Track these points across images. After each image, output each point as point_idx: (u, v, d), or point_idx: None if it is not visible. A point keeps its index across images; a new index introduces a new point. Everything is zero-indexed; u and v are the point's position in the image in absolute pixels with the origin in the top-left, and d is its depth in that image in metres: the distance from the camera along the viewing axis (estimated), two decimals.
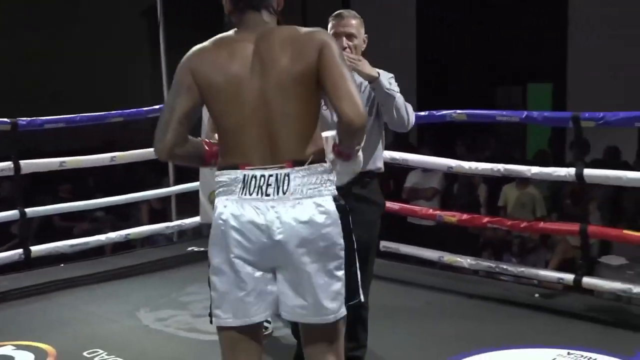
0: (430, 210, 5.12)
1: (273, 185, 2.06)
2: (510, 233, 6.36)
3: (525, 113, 4.39)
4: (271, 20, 2.15)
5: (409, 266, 5.25)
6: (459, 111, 4.58)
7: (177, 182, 6.01)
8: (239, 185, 2.08)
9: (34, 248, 4.90)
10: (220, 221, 2.09)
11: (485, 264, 4.70)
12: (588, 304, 4.26)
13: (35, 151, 6.19)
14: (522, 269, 4.60)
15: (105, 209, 7.43)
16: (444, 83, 9.74)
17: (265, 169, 2.06)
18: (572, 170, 4.16)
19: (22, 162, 4.78)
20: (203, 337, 3.91)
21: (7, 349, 3.78)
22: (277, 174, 2.06)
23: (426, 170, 6.54)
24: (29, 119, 4.81)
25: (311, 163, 2.07)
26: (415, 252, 5.03)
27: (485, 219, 4.66)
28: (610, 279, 4.44)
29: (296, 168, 2.06)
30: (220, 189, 2.12)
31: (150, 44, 12.01)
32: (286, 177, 2.06)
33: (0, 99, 10.30)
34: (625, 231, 4.30)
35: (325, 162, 2.11)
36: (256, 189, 2.06)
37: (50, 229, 7.42)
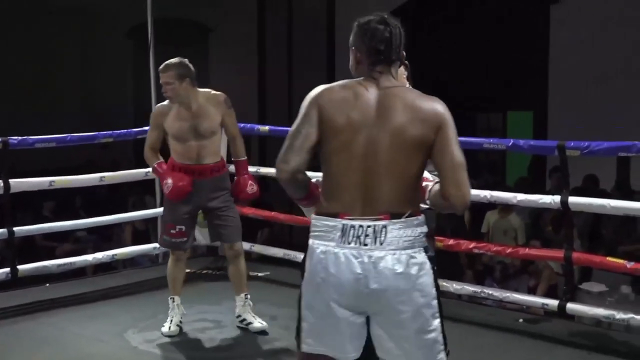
0: None
1: (371, 236, 2.16)
2: (492, 258, 6.45)
3: (512, 141, 4.47)
4: (394, 72, 2.30)
5: None
6: None
7: (163, 204, 6.00)
8: (338, 234, 2.18)
9: (20, 267, 4.88)
10: (320, 266, 2.20)
11: (470, 288, 4.76)
12: (571, 330, 4.33)
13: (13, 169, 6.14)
14: (507, 294, 4.66)
15: (87, 229, 7.42)
16: None
17: (364, 219, 2.17)
18: (557, 198, 4.25)
19: (12, 181, 4.78)
20: (192, 357, 3.94)
21: None
22: (374, 226, 2.16)
23: None
24: (20, 137, 4.81)
25: (408, 217, 2.19)
26: None
27: (472, 244, 4.72)
28: (592, 305, 4.53)
29: (393, 221, 2.17)
30: (317, 233, 2.23)
31: (134, 64, 12.08)
32: (383, 229, 2.16)
33: None
34: (608, 258, 4.39)
35: (419, 215, 2.23)
36: (354, 239, 2.17)
37: (32, 247, 7.40)
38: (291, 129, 2.27)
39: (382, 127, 2.18)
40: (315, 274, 2.21)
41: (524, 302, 4.65)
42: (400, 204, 2.18)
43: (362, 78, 2.27)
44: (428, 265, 2.19)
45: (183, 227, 4.19)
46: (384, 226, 2.16)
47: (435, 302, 2.20)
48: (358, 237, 2.16)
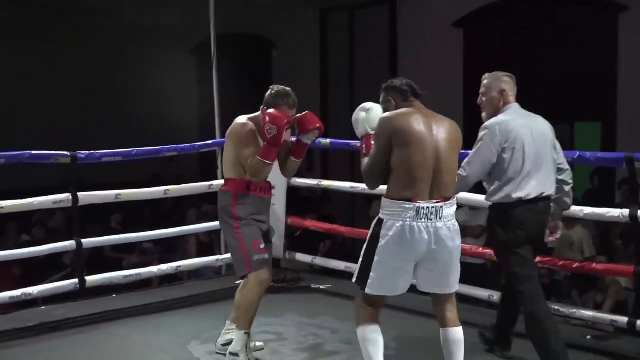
0: (480, 249, 5.10)
1: (434, 213, 3.20)
2: (557, 273, 6.30)
3: (578, 153, 4.37)
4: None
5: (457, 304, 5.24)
6: None
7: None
8: (413, 213, 3.18)
9: (89, 278, 5.00)
10: (399, 235, 3.18)
11: None
12: None
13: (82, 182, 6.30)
14: (574, 310, 4.55)
15: (153, 241, 7.57)
16: None
17: (429, 202, 3.20)
18: (625, 212, 4.14)
19: (80, 194, 4.91)
20: None
21: None
22: (436, 207, 3.21)
23: (473, 207, 6.53)
24: (87, 152, 4.94)
25: (452, 199, 3.29)
26: (465, 291, 5.00)
27: (537, 258, 4.61)
28: None
29: (446, 202, 3.24)
30: (393, 212, 3.21)
31: (198, 80, 12.30)
32: (441, 209, 3.22)
33: (57, 131, 10.57)
34: None
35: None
36: (424, 216, 3.19)
37: (101, 259, 7.58)
38: (373, 153, 3.31)
39: (438, 136, 3.24)
40: (394, 240, 3.19)
41: (591, 318, 4.51)
42: (449, 191, 3.27)
43: (410, 108, 3.35)
44: (459, 232, 3.33)
45: (263, 244, 3.94)
46: (441, 207, 3.21)
47: (459, 254, 3.37)
48: (426, 215, 3.18)
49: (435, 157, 3.19)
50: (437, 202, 3.18)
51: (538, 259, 4.64)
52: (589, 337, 4.41)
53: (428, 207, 3.17)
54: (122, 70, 12.12)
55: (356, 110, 3.59)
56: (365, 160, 3.37)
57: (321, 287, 5.63)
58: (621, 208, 4.26)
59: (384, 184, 3.30)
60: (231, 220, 3.88)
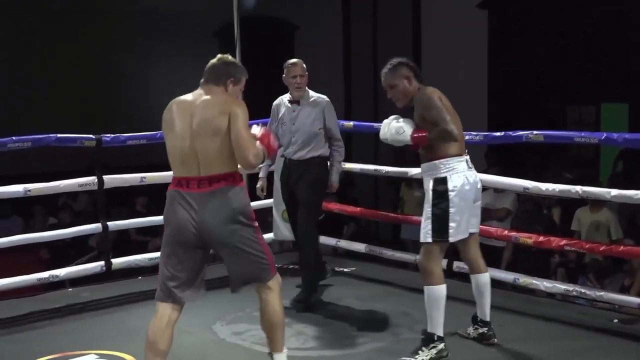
0: (505, 232, 5.07)
1: (470, 163, 3.83)
2: (583, 256, 6.25)
3: (605, 134, 4.32)
4: None
5: None
6: (535, 132, 4.54)
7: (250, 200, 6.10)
8: (464, 165, 3.77)
9: (114, 260, 5.05)
10: (463, 182, 3.72)
11: (562, 287, 4.63)
12: None
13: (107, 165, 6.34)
14: (601, 293, 4.51)
15: None
16: (514, 101, 9.64)
17: (467, 155, 3.83)
18: None
19: (105, 177, 4.95)
20: None
21: (91, 358, 3.92)
22: (467, 158, 3.83)
23: (498, 190, 6.49)
24: (112, 135, 4.97)
25: None
26: (490, 274, 4.97)
27: (563, 241, 4.58)
28: None
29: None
30: (452, 168, 3.73)
31: None
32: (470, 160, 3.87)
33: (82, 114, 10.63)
34: None
35: None
36: (469, 166, 3.81)
37: (126, 242, 7.63)
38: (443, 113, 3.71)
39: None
40: (463, 190, 3.72)
41: (618, 301, 4.48)
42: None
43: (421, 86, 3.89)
44: None
45: None
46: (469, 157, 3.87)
47: None
48: (468, 165, 3.80)
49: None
50: (467, 154, 3.85)
51: (564, 240, 4.61)
52: (615, 320, 4.37)
53: (468, 159, 3.80)
54: (144, 56, 12.13)
55: (390, 131, 3.81)
56: (434, 133, 3.69)
57: (345, 269, 5.63)
58: None
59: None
60: (251, 222, 3.30)
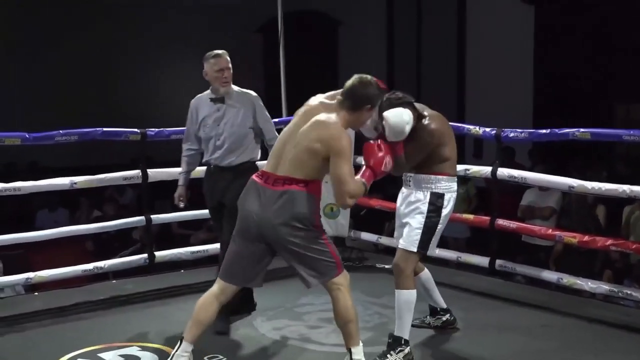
0: (550, 230, 4.99)
1: None
2: (629, 256, 6.12)
3: None
4: None
5: (524, 286, 5.19)
6: (582, 130, 4.46)
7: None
8: (456, 185, 3.85)
9: (157, 253, 5.11)
10: (453, 202, 3.82)
11: (606, 287, 4.55)
12: None
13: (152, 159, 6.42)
14: None
15: None
16: (561, 98, 9.48)
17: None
18: None
19: (149, 170, 5.01)
20: (317, 348, 4.00)
21: (133, 350, 3.96)
22: None
23: (542, 188, 6.40)
24: (157, 129, 5.03)
25: None
26: (533, 273, 4.92)
27: (609, 241, 4.49)
28: None
29: None
30: (449, 187, 3.77)
31: (263, 60, 12.34)
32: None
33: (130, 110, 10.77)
34: None
35: None
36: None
37: (169, 235, 7.72)
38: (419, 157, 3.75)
39: None
40: (450, 208, 3.79)
41: None
42: None
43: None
44: None
45: None
46: None
47: None
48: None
49: None
50: None
51: (610, 241, 4.52)
52: None
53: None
54: (190, 48, 12.24)
55: (402, 118, 3.58)
56: (399, 161, 3.60)
57: (386, 266, 5.61)
58: None
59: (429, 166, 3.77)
60: (313, 227, 3.30)
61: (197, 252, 5.36)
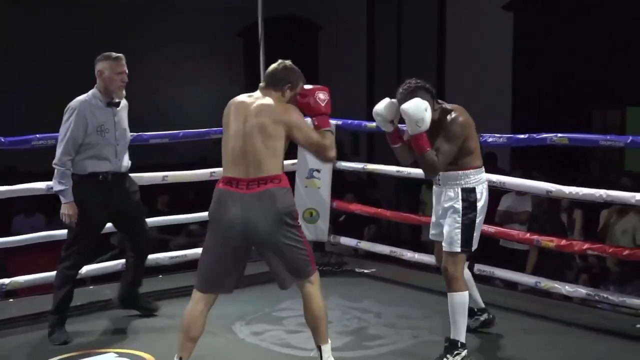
0: (528, 235, 5.03)
1: None
2: (605, 260, 6.18)
3: (631, 138, 4.25)
4: None
5: (501, 290, 5.22)
6: (560, 135, 4.49)
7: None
8: (485, 176, 3.86)
9: None
10: (486, 193, 3.81)
11: (584, 291, 4.59)
12: None
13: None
14: (624, 298, 4.45)
15: (199, 223, 7.62)
16: (538, 104, 9.55)
17: None
18: None
19: (131, 175, 4.96)
20: (296, 353, 3.99)
21: (110, 356, 3.95)
22: None
23: (520, 193, 6.44)
24: (135, 134, 4.99)
25: None
26: (511, 277, 4.95)
27: (585, 245, 4.54)
28: None
29: None
30: (479, 179, 3.77)
31: (244, 64, 12.32)
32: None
33: None
34: None
35: None
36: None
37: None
38: (452, 150, 3.71)
39: None
40: (485, 199, 3.79)
41: None
42: None
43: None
44: None
45: None
46: None
47: None
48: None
49: None
50: None
51: (587, 244, 4.56)
52: (638, 325, 4.31)
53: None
54: (166, 54, 12.19)
55: (418, 106, 3.56)
56: (429, 158, 3.62)
57: (365, 271, 5.62)
58: None
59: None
60: (296, 222, 3.38)
61: (176, 257, 5.33)
